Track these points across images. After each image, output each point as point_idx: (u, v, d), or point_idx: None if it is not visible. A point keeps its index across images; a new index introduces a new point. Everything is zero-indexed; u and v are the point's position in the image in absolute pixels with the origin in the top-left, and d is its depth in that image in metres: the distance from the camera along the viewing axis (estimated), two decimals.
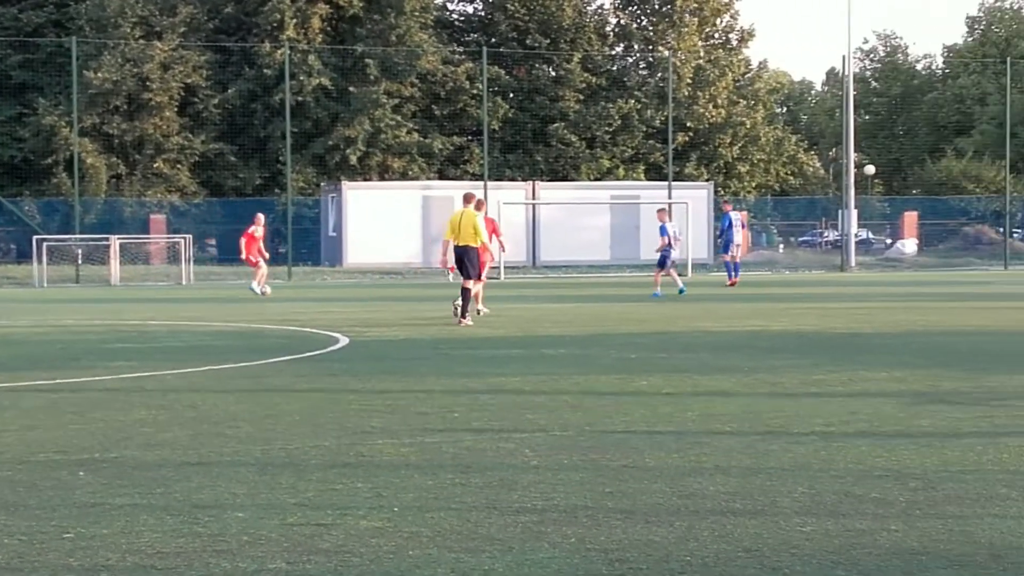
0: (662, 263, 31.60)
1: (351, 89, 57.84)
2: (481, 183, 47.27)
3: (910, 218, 61.14)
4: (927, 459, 9.26)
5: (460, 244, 22.64)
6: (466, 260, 22.59)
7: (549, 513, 7.63)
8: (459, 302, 22.39)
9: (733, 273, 36.04)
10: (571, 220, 47.44)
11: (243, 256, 33.84)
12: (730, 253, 36.24)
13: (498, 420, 11.21)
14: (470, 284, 22.62)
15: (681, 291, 30.94)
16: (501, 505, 7.85)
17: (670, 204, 47.33)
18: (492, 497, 8.08)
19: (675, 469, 8.98)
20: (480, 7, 66.85)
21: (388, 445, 9.95)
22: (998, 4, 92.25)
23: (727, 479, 8.59)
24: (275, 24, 57.43)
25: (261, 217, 34.10)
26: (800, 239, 73.05)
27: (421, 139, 59.44)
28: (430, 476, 8.73)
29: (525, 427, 10.81)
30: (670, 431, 10.58)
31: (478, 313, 23.74)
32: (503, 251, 25.03)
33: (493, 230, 25.29)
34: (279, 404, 12.30)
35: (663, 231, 31.85)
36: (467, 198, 23.30)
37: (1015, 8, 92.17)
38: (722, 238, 37.01)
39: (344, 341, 19.17)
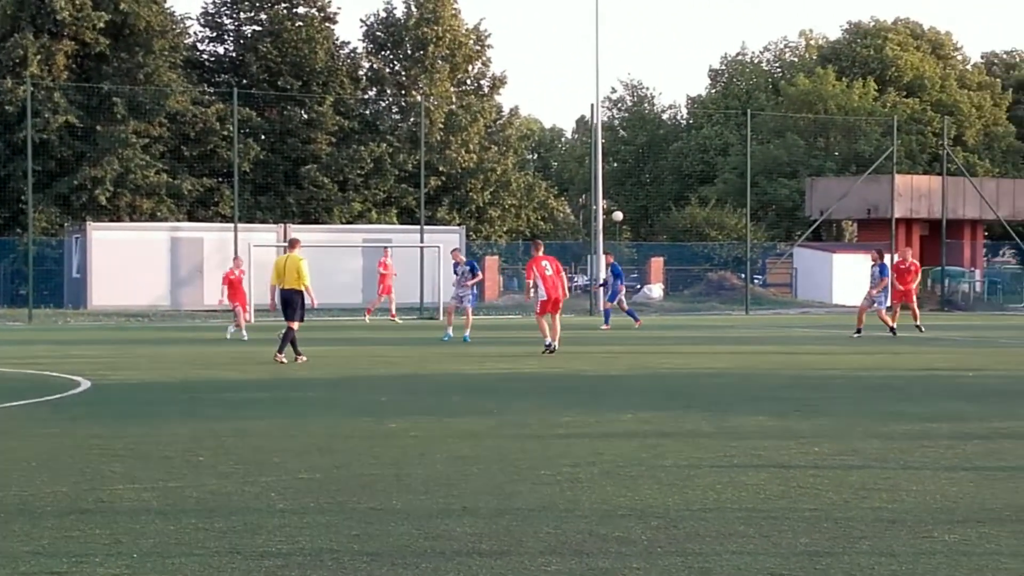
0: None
1: (98, 128, 56.48)
2: (231, 225, 46.69)
3: (656, 264, 62.46)
4: (669, 498, 9.43)
5: (285, 288, 23.40)
6: (292, 303, 23.30)
7: (294, 557, 7.53)
8: (279, 347, 22.83)
9: (619, 316, 37.63)
10: (322, 263, 47.00)
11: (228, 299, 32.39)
12: (616, 301, 37.37)
13: (244, 464, 11.03)
14: (295, 325, 23.22)
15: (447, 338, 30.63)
16: (244, 550, 7.72)
17: (422, 248, 47.52)
18: (236, 542, 7.93)
19: (423, 511, 8.96)
20: (231, 48, 66.15)
21: (129, 490, 9.70)
22: (739, 57, 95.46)
23: (474, 520, 8.61)
24: (17, 60, 55.75)
25: (241, 259, 33.57)
26: None
27: (170, 180, 58.38)
28: (172, 521, 8.53)
29: (272, 471, 10.67)
30: (418, 473, 10.56)
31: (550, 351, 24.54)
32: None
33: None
34: (15, 450, 11.88)
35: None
36: (292, 243, 24.31)
37: (755, 62, 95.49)
38: (607, 288, 37.81)
39: (86, 385, 18.63)
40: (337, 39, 66.68)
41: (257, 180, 61.70)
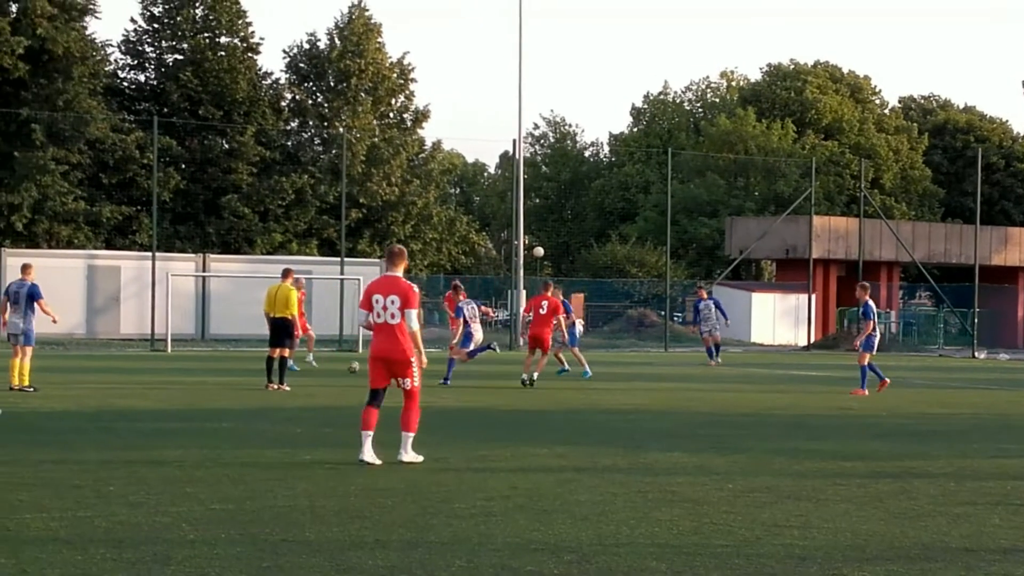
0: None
1: (16, 154, 55.88)
2: (149, 254, 46.28)
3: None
4: (583, 532, 9.43)
5: (276, 316, 24.84)
6: (281, 331, 24.70)
7: None
8: (279, 377, 24.07)
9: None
10: (242, 293, 46.69)
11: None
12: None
13: (155, 494, 10.91)
14: (287, 352, 24.99)
15: (584, 374, 30.66)
16: None
17: (342, 280, 47.32)
18: (144, 572, 7.84)
19: (335, 543, 8.90)
20: (152, 76, 65.68)
21: (36, 519, 9.55)
22: (662, 96, 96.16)
23: (387, 553, 8.56)
24: None
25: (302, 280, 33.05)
26: None
27: (88, 207, 57.82)
28: (79, 551, 8.41)
29: (183, 501, 10.55)
30: (331, 505, 10.49)
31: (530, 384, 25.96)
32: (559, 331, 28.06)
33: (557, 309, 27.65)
34: None
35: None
36: (285, 273, 25.66)
37: (677, 102, 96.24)
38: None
39: None
40: (260, 69, 66.45)
41: (177, 209, 61.25)
